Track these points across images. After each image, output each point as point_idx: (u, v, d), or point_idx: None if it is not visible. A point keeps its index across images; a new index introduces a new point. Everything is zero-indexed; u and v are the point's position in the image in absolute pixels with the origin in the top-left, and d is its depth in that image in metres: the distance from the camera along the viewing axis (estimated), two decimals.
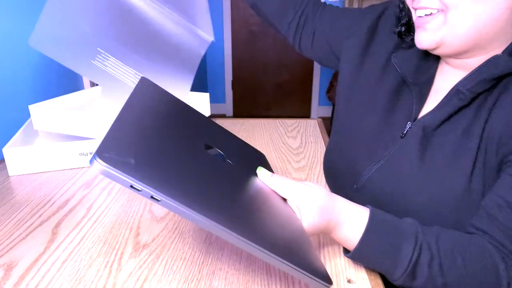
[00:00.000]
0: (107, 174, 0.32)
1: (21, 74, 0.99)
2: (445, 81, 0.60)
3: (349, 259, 0.53)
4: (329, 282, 0.41)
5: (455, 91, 0.54)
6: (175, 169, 0.40)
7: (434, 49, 0.55)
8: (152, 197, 0.34)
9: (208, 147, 0.51)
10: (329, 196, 0.51)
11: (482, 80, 0.52)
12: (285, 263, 0.39)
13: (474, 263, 0.47)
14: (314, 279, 0.40)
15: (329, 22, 0.77)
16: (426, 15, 0.53)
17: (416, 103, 0.60)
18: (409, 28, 0.64)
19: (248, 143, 0.67)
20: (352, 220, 0.50)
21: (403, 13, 0.64)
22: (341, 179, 0.69)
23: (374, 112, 0.65)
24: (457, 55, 0.56)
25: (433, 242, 0.48)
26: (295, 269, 0.39)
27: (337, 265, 0.52)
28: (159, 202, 0.35)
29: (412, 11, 0.57)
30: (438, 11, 0.52)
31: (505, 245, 0.48)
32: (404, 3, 0.64)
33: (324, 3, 0.81)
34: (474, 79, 0.53)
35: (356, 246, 0.49)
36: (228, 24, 3.69)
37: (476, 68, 0.53)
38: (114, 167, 0.32)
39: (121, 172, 0.32)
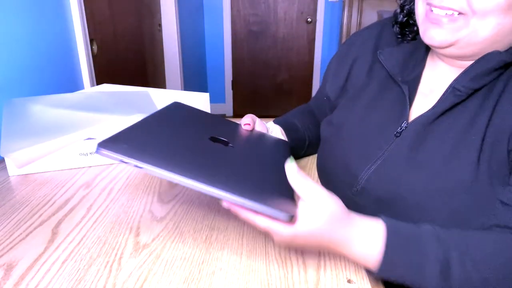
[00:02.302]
0: (104, 155, 0.44)
1: (21, 74, 0.99)
2: (435, 78, 0.60)
3: (349, 260, 0.52)
4: (290, 212, 0.43)
5: (451, 89, 0.54)
6: (165, 148, 0.49)
7: (444, 48, 0.54)
8: (136, 166, 0.43)
9: (214, 138, 0.56)
10: (345, 210, 0.48)
11: (476, 75, 0.52)
12: (240, 199, 0.43)
13: (504, 251, 0.46)
14: (272, 209, 0.43)
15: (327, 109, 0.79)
16: (447, 14, 0.51)
17: (408, 101, 0.59)
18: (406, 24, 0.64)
19: None
20: (366, 235, 0.47)
21: (405, 9, 0.64)
22: (338, 184, 0.67)
23: (362, 114, 0.65)
24: (461, 57, 0.55)
25: (458, 240, 0.47)
26: (250, 202, 0.43)
27: (337, 265, 0.52)
28: (142, 169, 0.44)
29: (422, 5, 0.55)
30: (459, 14, 0.50)
31: None
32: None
33: (315, 116, 0.84)
34: (469, 75, 0.53)
35: (381, 261, 0.46)
36: (228, 24, 3.69)
37: (471, 64, 0.53)
38: (108, 149, 0.44)
39: (112, 152, 0.44)
